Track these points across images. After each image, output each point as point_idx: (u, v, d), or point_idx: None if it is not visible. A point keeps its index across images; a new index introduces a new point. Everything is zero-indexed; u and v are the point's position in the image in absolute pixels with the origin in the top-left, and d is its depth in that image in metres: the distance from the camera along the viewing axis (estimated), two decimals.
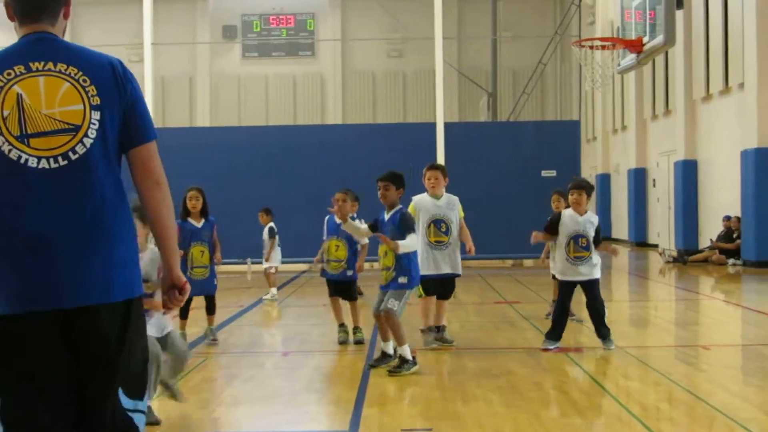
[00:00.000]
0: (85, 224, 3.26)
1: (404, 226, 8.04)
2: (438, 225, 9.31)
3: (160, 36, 26.39)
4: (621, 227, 30.46)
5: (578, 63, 21.06)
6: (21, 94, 3.25)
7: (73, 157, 3.27)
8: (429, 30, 22.88)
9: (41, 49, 3.35)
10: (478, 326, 10.88)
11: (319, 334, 10.17)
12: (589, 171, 33.73)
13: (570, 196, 9.13)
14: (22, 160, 3.22)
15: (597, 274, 9.08)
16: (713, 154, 22.43)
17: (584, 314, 10.08)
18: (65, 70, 3.31)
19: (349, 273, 9.77)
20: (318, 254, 10.25)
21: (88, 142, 3.29)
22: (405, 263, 8.09)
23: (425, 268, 9.12)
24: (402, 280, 8.09)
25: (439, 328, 9.40)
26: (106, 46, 31.18)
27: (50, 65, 3.31)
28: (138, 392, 3.43)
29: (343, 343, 9.55)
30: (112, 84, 3.37)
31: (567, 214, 9.10)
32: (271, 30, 37.42)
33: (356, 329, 9.72)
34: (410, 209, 9.19)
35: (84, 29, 36.33)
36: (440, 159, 20.57)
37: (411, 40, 33.22)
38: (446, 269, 9.32)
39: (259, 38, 37.39)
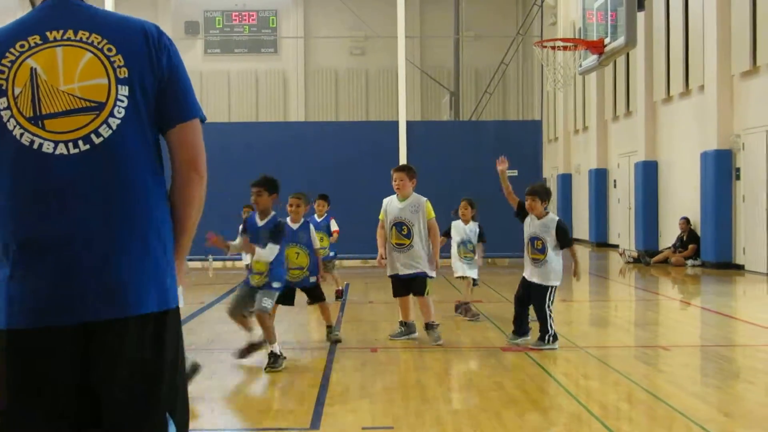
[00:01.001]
0: (111, 223, 2.74)
1: (273, 235, 8.15)
2: (399, 228, 9.38)
3: None
4: (582, 227, 30.63)
5: (540, 63, 21.16)
6: (35, 69, 2.75)
7: (97, 140, 2.74)
8: (392, 28, 22.89)
9: (60, 15, 2.85)
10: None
11: (283, 331, 10.12)
12: (550, 171, 33.90)
13: (526, 202, 9.19)
14: (36, 146, 2.72)
15: (552, 281, 9.04)
16: (673, 156, 22.62)
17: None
18: (87, 38, 2.80)
19: (312, 279, 9.60)
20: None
21: (114, 122, 2.76)
22: (277, 271, 8.34)
23: (388, 269, 9.46)
24: (276, 285, 8.34)
25: (429, 325, 9.46)
26: None
27: (70, 33, 2.80)
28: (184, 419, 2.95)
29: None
30: (144, 53, 2.84)
31: (530, 216, 9.18)
32: (234, 26, 37.27)
33: (330, 328, 9.66)
34: (381, 212, 9.42)
35: None
36: (402, 158, 20.59)
37: (374, 38, 33.22)
38: (405, 270, 9.38)
39: (222, 35, 37.22)
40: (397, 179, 9.49)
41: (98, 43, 2.81)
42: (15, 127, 2.74)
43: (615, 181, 27.61)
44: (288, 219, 9.64)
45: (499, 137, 21.35)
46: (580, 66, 18.82)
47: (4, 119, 2.75)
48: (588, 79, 28.43)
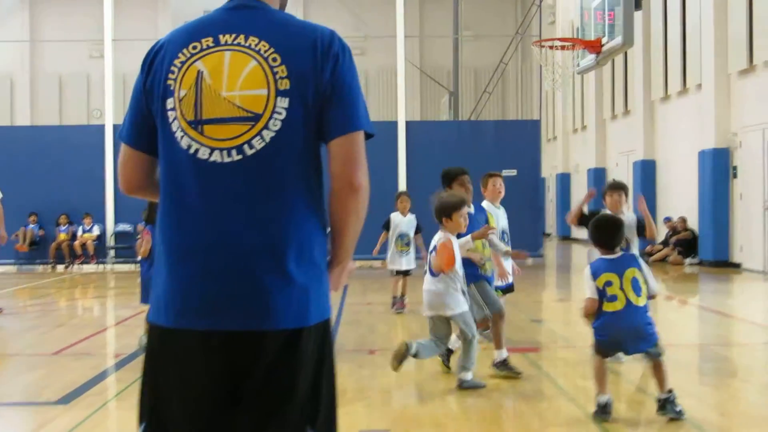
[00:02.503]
0: (253, 236, 2.69)
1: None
2: (503, 237, 9.01)
3: (121, 31, 26.20)
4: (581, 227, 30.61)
5: (539, 63, 21.17)
6: (202, 72, 2.74)
7: (249, 151, 2.70)
8: (391, 28, 22.93)
9: (237, 18, 2.82)
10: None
11: None
12: (549, 170, 33.92)
13: (609, 198, 8.72)
14: (192, 150, 2.72)
15: None
16: (671, 155, 22.65)
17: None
18: (255, 45, 2.74)
19: None
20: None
21: (268, 135, 2.70)
22: None
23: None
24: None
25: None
26: (66, 42, 30.63)
27: (241, 38, 2.76)
28: None
29: None
30: (309, 64, 2.74)
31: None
32: None
33: None
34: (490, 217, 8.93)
35: (44, 25, 35.99)
36: (402, 158, 20.64)
37: (373, 38, 33.24)
38: None
39: None
40: (500, 185, 9.13)
41: (265, 51, 2.74)
42: (177, 129, 2.75)
43: (613, 179, 27.61)
44: None
45: (498, 137, 21.40)
46: (578, 65, 18.84)
47: (170, 119, 2.78)
48: (586, 78, 28.48)
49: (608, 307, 6.09)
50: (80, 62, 35.38)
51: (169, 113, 2.77)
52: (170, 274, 2.75)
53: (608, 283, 6.08)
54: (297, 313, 2.72)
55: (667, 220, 21.21)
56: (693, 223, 20.65)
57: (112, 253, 21.91)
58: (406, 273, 12.14)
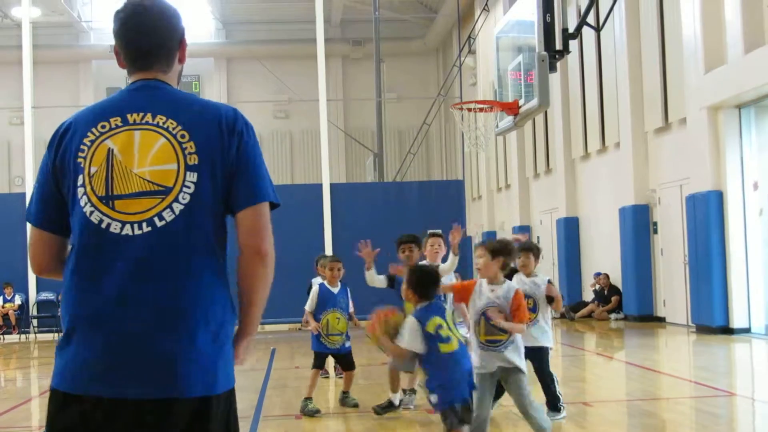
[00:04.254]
0: (161, 305, 2.76)
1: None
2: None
3: (42, 99, 25.96)
4: None
5: (459, 126, 21.46)
6: (112, 149, 2.85)
7: (159, 224, 2.80)
8: (315, 91, 23.06)
9: (143, 98, 2.96)
10: (364, 388, 10.83)
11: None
12: (475, 229, 34.17)
13: (518, 259, 8.32)
14: (104, 225, 2.80)
15: (545, 342, 8.24)
16: (593, 211, 23.02)
17: None
18: (163, 123, 2.89)
19: (347, 344, 9.52)
20: (312, 325, 9.73)
21: (177, 207, 2.81)
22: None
23: None
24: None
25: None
26: None
27: (148, 117, 2.90)
28: None
29: (317, 413, 8.97)
30: (216, 140, 2.91)
31: (517, 276, 8.27)
32: None
33: (347, 393, 9.49)
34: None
35: None
36: (327, 220, 20.63)
37: (297, 101, 33.41)
38: None
39: None
40: (438, 246, 9.27)
41: (173, 128, 2.89)
42: (86, 204, 2.83)
43: (538, 237, 27.91)
44: (325, 282, 9.53)
45: (422, 197, 21.55)
46: (497, 127, 19.09)
47: (78, 196, 2.86)
48: (509, 138, 28.87)
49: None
50: (1, 129, 34.91)
51: (79, 189, 2.86)
52: (78, 342, 2.80)
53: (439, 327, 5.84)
54: (205, 382, 2.79)
55: (598, 275, 21.43)
56: (616, 279, 20.95)
57: (35, 322, 21.48)
58: None
